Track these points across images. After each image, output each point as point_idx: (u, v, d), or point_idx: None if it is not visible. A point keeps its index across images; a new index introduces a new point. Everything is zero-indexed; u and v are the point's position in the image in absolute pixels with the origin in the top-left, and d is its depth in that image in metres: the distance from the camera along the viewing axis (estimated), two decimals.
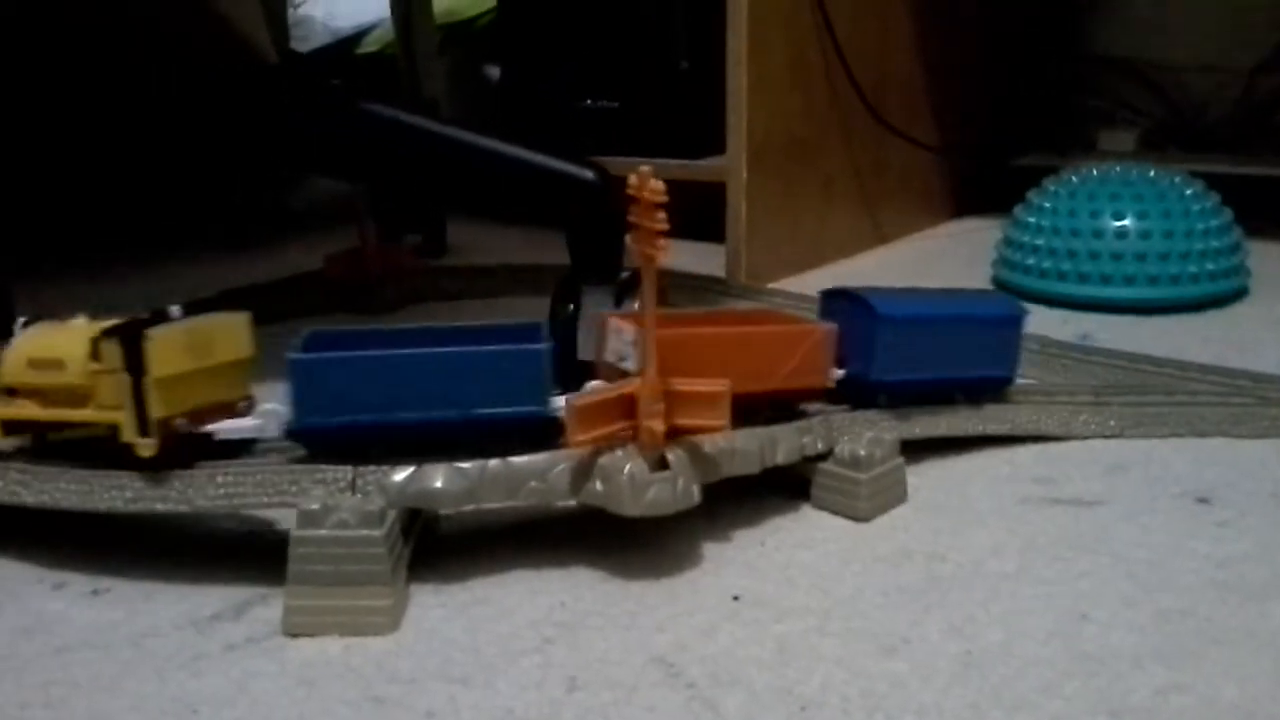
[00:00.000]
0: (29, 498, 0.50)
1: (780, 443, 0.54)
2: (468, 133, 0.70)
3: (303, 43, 1.43)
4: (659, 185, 0.47)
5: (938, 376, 0.61)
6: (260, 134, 0.73)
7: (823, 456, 0.56)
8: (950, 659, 0.44)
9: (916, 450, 0.60)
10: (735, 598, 0.48)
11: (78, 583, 0.50)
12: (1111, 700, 0.41)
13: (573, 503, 0.51)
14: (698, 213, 1.02)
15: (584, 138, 1.13)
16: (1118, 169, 0.98)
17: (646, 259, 0.48)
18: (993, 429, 0.64)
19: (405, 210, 1.09)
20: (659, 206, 0.47)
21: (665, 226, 0.47)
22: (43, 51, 0.77)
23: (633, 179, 0.48)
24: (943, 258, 1.15)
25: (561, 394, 0.70)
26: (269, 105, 0.73)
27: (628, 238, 0.48)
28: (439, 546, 0.53)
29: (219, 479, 0.48)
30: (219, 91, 0.72)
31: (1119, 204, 0.94)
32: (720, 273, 0.99)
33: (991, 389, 0.64)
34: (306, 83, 0.76)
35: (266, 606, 0.47)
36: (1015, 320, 0.64)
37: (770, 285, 0.99)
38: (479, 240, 1.22)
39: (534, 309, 0.80)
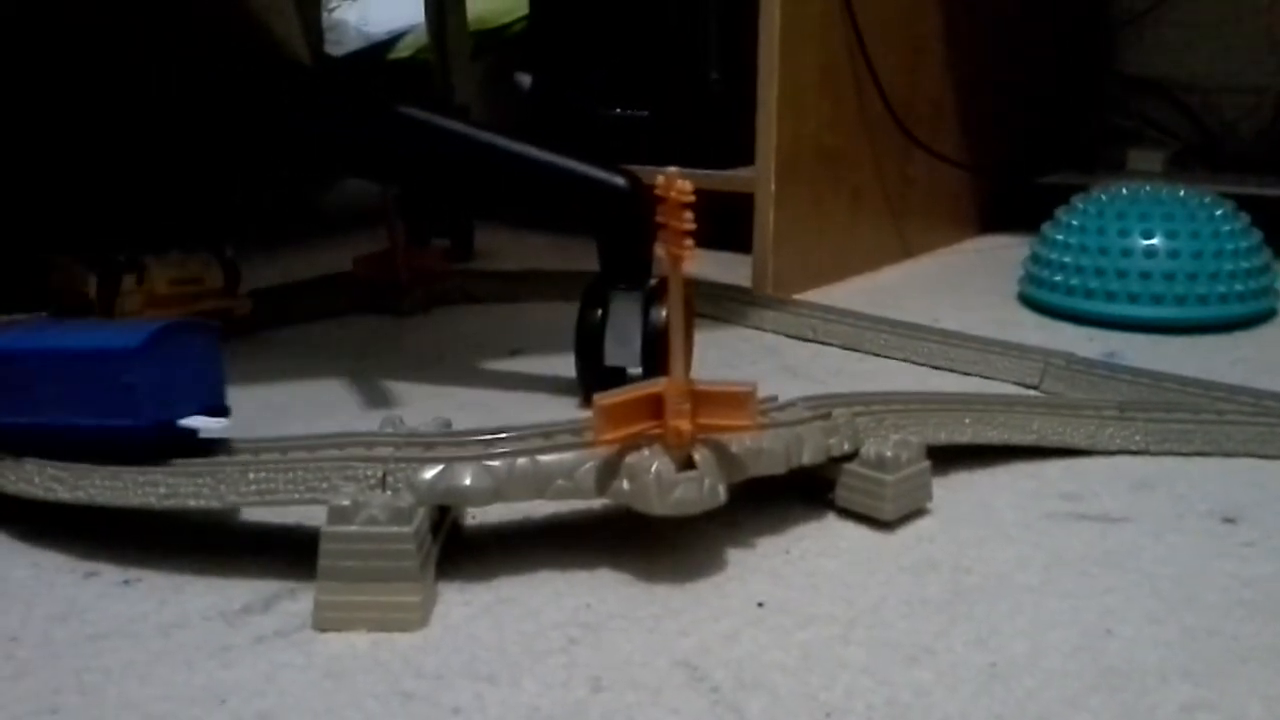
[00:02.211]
0: (64, 493, 0.50)
1: (806, 443, 0.54)
2: (502, 137, 0.71)
3: (336, 47, 1.45)
4: (686, 186, 0.48)
5: (48, 422, 0.51)
6: (295, 135, 0.74)
7: (848, 457, 0.56)
8: (975, 670, 0.44)
9: (942, 461, 0.60)
10: (759, 604, 0.49)
11: (109, 573, 0.50)
12: (1137, 715, 0.41)
13: (599, 502, 0.51)
14: (724, 222, 1.02)
15: (613, 146, 1.14)
16: (1147, 188, 0.98)
17: (674, 258, 0.49)
18: (1017, 439, 0.64)
19: (433, 214, 1.10)
20: (686, 207, 0.48)
21: (692, 226, 0.48)
22: (75, 50, 0.78)
23: (660, 180, 0.48)
24: (969, 273, 1.15)
25: (588, 399, 0.72)
26: (305, 106, 0.74)
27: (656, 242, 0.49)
28: (465, 545, 0.53)
29: (250, 475, 0.49)
30: (255, 91, 0.72)
31: (1148, 223, 0.94)
32: (746, 282, 0.99)
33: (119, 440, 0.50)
34: (343, 85, 0.77)
35: (294, 600, 0.48)
36: (125, 355, 0.49)
37: (796, 296, 0.99)
38: (506, 246, 1.23)
39: (561, 314, 0.80)
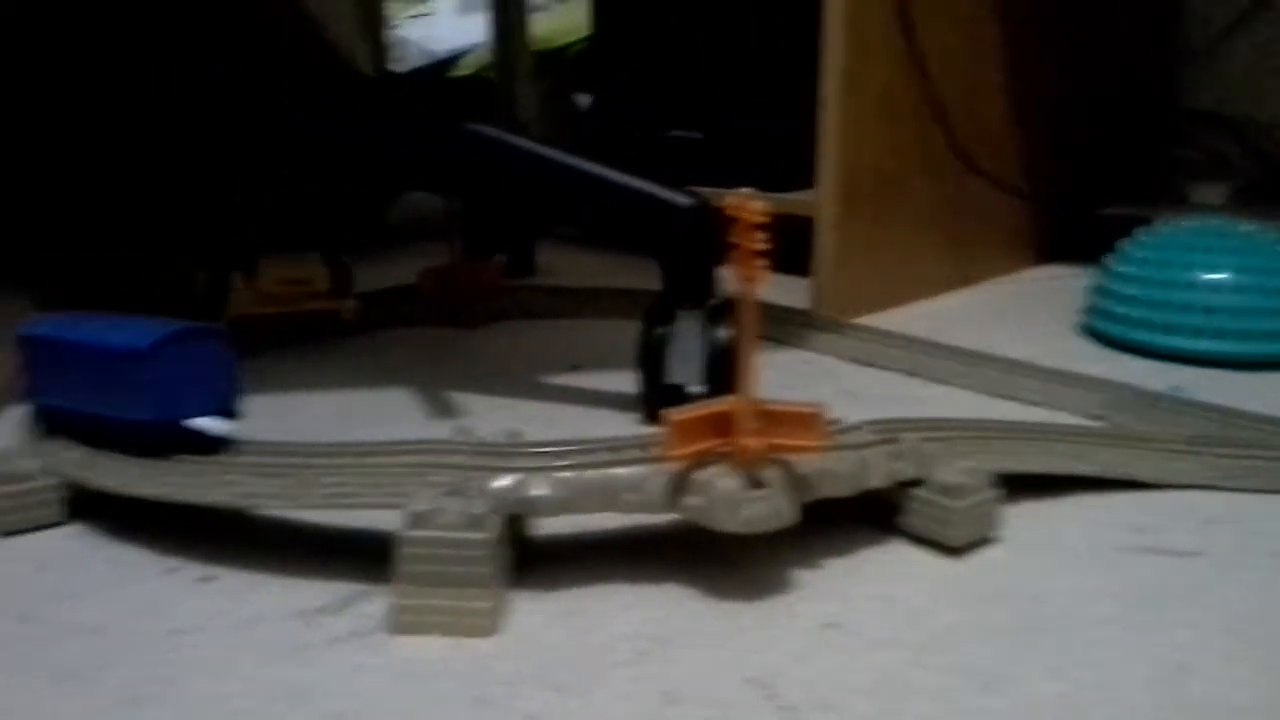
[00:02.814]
0: (146, 489, 0.51)
1: (874, 467, 0.54)
2: (569, 155, 0.71)
3: (398, 64, 1.47)
4: (759, 206, 0.48)
5: (81, 409, 0.55)
6: (365, 149, 0.75)
7: (915, 483, 0.56)
8: (1049, 700, 0.43)
9: (1008, 489, 0.60)
10: (829, 625, 0.49)
11: (187, 570, 0.51)
12: None
13: (664, 517, 0.52)
14: (781, 246, 1.02)
15: (669, 168, 1.15)
16: (1213, 222, 0.97)
17: (745, 279, 0.49)
18: (1084, 470, 0.63)
19: (495, 230, 1.11)
20: (759, 227, 0.48)
21: (765, 247, 0.48)
22: (142, 60, 0.80)
23: (733, 200, 0.48)
24: (1028, 302, 1.14)
25: (649, 416, 0.72)
26: (374, 120, 0.75)
27: (727, 260, 0.49)
28: (533, 555, 0.54)
29: (327, 478, 0.49)
30: (328, 105, 0.74)
31: (1213, 257, 0.93)
32: (803, 305, 0.99)
33: (135, 433, 0.53)
34: (411, 100, 0.78)
35: (369, 602, 0.48)
36: (136, 355, 0.53)
37: (854, 320, 0.99)
38: (564, 263, 1.23)
39: (619, 331, 0.81)
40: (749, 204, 0.47)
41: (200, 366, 0.54)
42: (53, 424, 0.57)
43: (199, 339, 0.54)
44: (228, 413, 0.54)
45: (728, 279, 0.71)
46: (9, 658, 0.44)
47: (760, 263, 0.47)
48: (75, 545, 0.54)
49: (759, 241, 0.47)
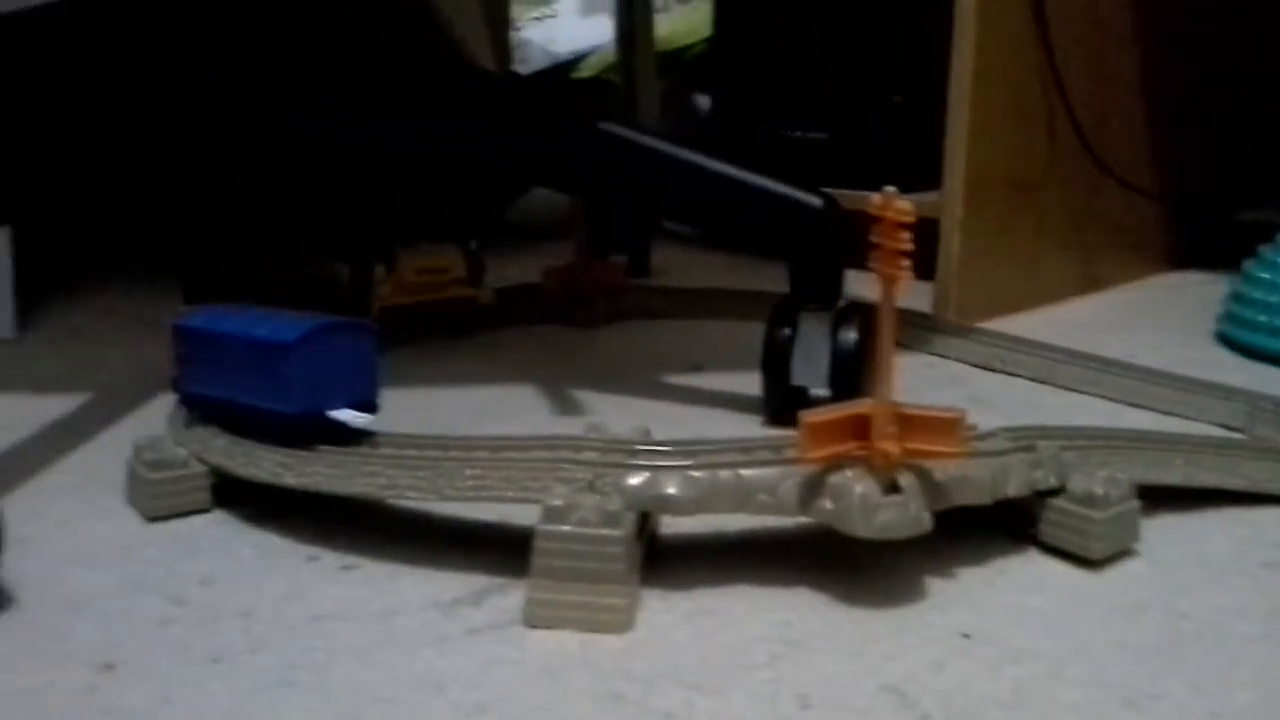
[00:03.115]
0: (291, 479, 0.53)
1: (1012, 474, 0.53)
2: (699, 154, 0.72)
3: (521, 65, 1.48)
4: (905, 206, 0.47)
5: (229, 399, 0.56)
6: (494, 147, 0.76)
7: (1054, 492, 0.55)
8: (1197, 718, 0.42)
9: (1148, 501, 0.58)
10: (965, 635, 0.48)
11: (329, 558, 0.53)
12: None
13: (794, 520, 0.51)
14: None
15: (791, 168, 1.14)
16: None
17: (888, 279, 0.48)
18: (1229, 484, 0.61)
19: (615, 230, 1.12)
20: (903, 227, 0.47)
21: (910, 247, 0.47)
22: (287, 60, 0.82)
23: (877, 199, 0.48)
24: (1161, 309, 1.11)
25: (772, 417, 0.72)
26: (508, 119, 0.76)
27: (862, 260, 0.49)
28: (662, 554, 0.54)
29: (467, 472, 0.50)
30: (467, 105, 0.75)
31: None
32: (925, 309, 0.98)
33: (278, 423, 0.55)
34: (543, 100, 0.79)
35: (504, 596, 0.49)
36: (281, 348, 0.54)
37: (979, 324, 0.97)
38: (680, 263, 1.23)
39: (740, 332, 0.81)
40: (894, 203, 0.46)
41: (344, 360, 0.56)
42: (201, 412, 0.59)
43: (344, 333, 0.56)
44: (368, 406, 0.56)
45: (856, 280, 0.71)
46: (164, 638, 0.45)
47: (904, 263, 0.47)
48: (222, 531, 0.56)
49: (903, 241, 0.46)
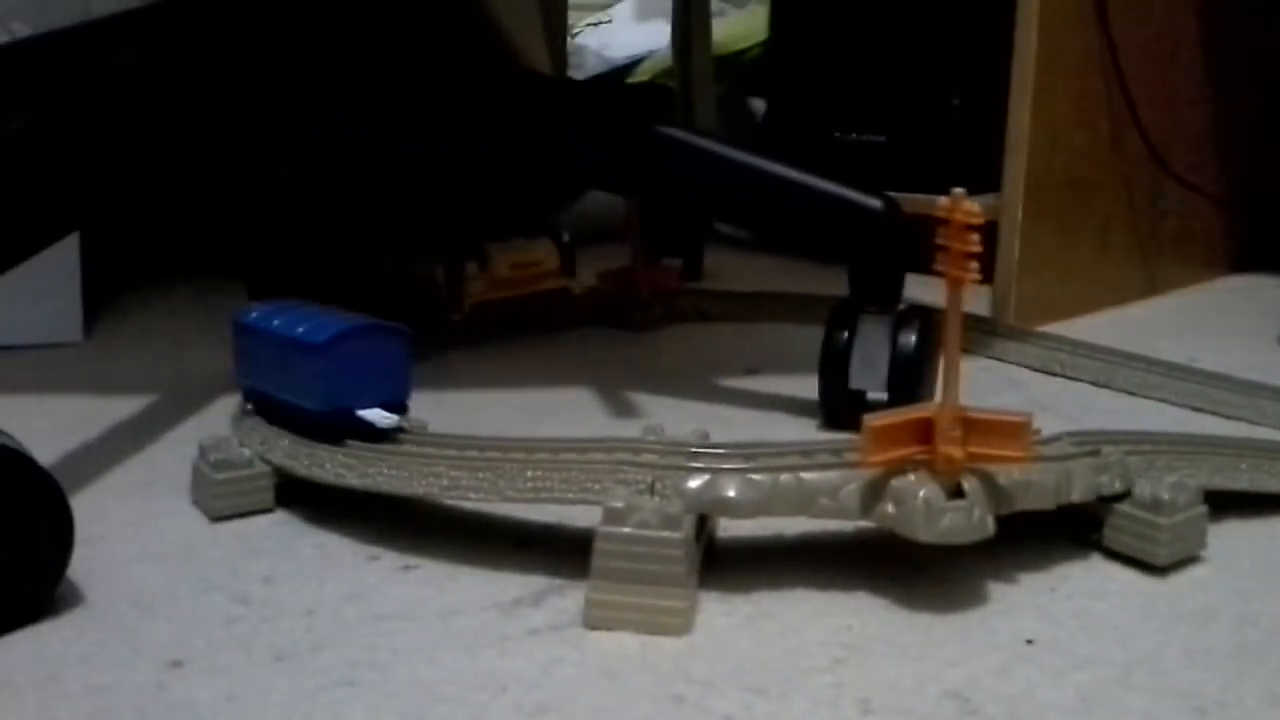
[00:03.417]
0: (353, 480, 0.53)
1: (1076, 479, 0.52)
2: (758, 157, 0.71)
3: (577, 70, 1.49)
4: (974, 208, 0.47)
5: (272, 393, 0.59)
6: (560, 152, 0.76)
7: (1118, 497, 0.54)
8: None
9: (1214, 507, 0.57)
10: (1029, 641, 0.47)
11: (389, 558, 0.53)
12: None
13: (853, 524, 0.51)
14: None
15: (849, 171, 1.14)
16: None
17: (955, 281, 0.48)
18: None
19: (669, 233, 1.12)
20: (972, 229, 0.47)
21: (979, 249, 0.47)
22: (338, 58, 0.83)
23: (945, 201, 0.47)
24: (1224, 312, 1.09)
25: (828, 421, 0.72)
26: (567, 122, 0.76)
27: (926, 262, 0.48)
28: (720, 557, 0.54)
29: (528, 473, 0.50)
30: (543, 109, 0.75)
31: None
32: (985, 312, 0.97)
33: (308, 419, 0.57)
34: (602, 105, 0.80)
35: (563, 597, 0.49)
36: (313, 348, 0.56)
37: (1038, 328, 0.96)
38: (733, 266, 1.23)
39: (795, 336, 0.80)
40: (962, 205, 0.46)
41: (375, 361, 0.57)
42: (255, 404, 0.61)
43: (377, 335, 0.57)
44: (398, 406, 0.57)
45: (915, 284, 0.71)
46: (230, 636, 0.46)
47: (972, 265, 0.46)
48: (283, 531, 0.56)
49: (972, 244, 0.46)
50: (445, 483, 0.51)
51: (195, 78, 0.73)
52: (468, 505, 0.57)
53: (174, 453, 0.65)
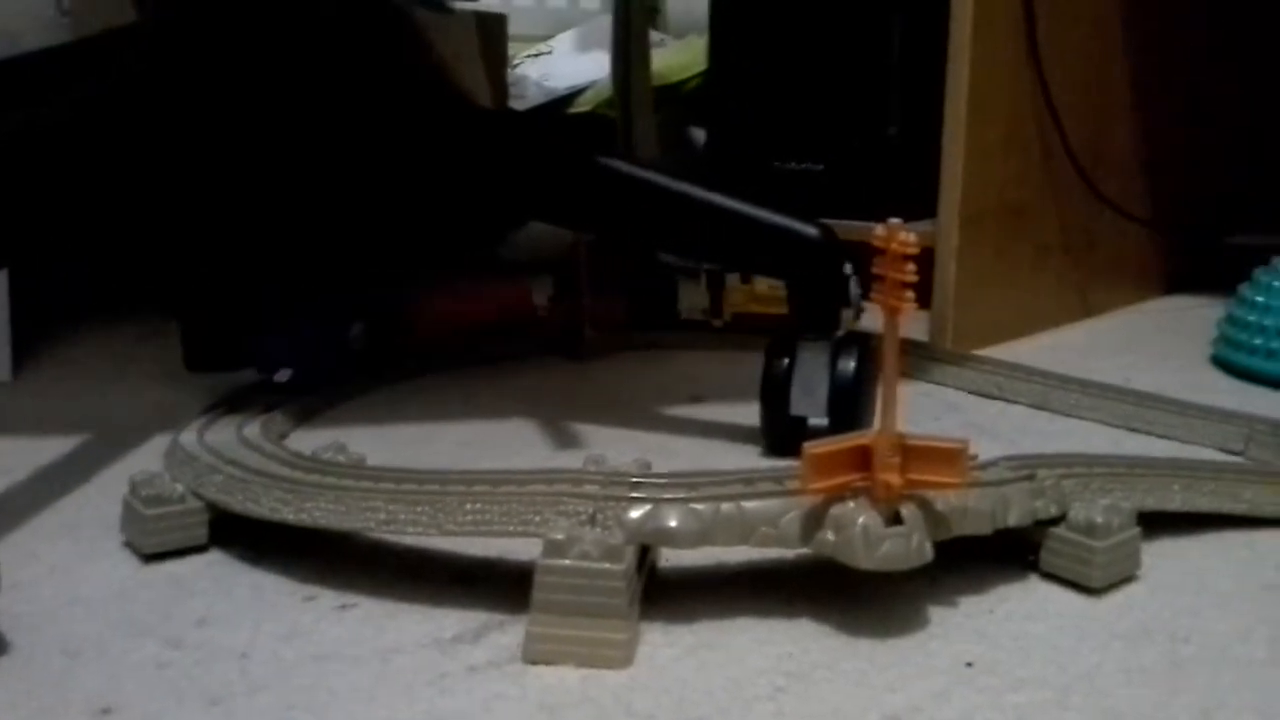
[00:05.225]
0: (289, 514, 0.53)
1: (1013, 504, 0.53)
2: (696, 187, 0.72)
3: (518, 101, 1.49)
4: (909, 238, 0.48)
5: None
6: (493, 182, 0.76)
7: (1054, 521, 0.55)
8: None
9: (1147, 527, 0.58)
10: (968, 664, 0.48)
11: (327, 597, 0.52)
12: None
13: (797, 552, 0.51)
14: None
15: (787, 200, 1.15)
16: None
17: (891, 310, 0.48)
18: (1229, 508, 0.61)
19: (614, 262, 1.11)
20: (907, 259, 0.48)
21: (914, 278, 0.48)
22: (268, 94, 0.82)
23: (881, 230, 0.48)
24: (1156, 333, 1.11)
25: (770, 448, 0.72)
26: (504, 154, 0.76)
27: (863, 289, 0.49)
28: (662, 587, 0.54)
29: (468, 506, 0.50)
30: (476, 141, 0.75)
31: None
32: (924, 337, 0.98)
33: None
34: (541, 136, 0.80)
35: (503, 632, 0.49)
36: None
37: (975, 352, 0.97)
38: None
39: (738, 363, 0.81)
40: (898, 235, 0.47)
41: None
42: None
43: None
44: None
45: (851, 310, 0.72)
46: (162, 682, 0.45)
47: (908, 295, 0.47)
48: (218, 570, 0.55)
49: (907, 273, 0.47)
50: (383, 516, 0.51)
51: (132, 112, 0.72)
52: (406, 540, 0.56)
53: (105, 493, 0.63)
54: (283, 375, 0.76)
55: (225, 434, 0.64)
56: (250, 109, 0.77)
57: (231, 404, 0.71)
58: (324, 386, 0.81)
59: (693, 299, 1.01)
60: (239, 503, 0.55)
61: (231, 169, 0.78)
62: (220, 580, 0.54)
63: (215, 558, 0.56)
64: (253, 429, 0.65)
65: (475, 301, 0.99)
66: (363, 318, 0.87)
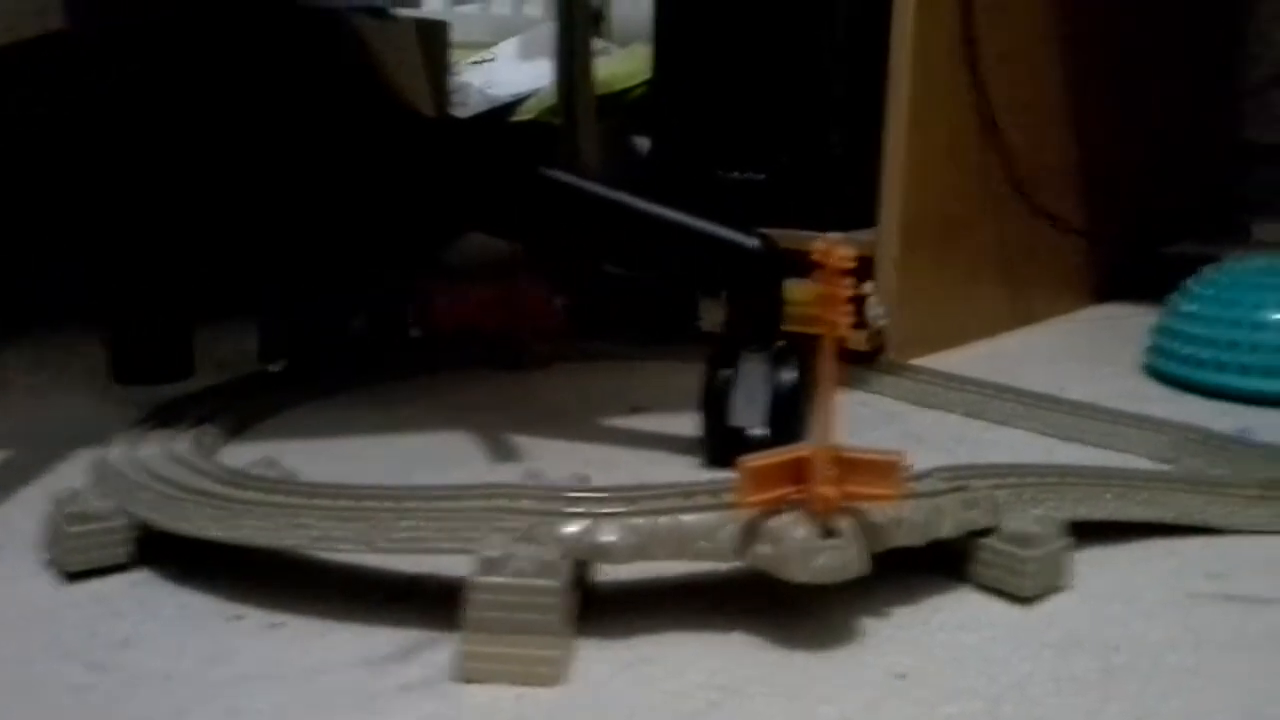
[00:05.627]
0: (218, 532, 0.52)
1: (947, 516, 0.54)
2: (636, 198, 0.72)
3: (461, 108, 1.49)
4: (847, 252, 0.48)
5: None
6: (430, 192, 0.76)
7: (986, 532, 0.55)
8: None
9: (1077, 536, 0.58)
10: (900, 675, 0.48)
11: (255, 616, 0.51)
12: None
13: (738, 565, 0.51)
14: None
15: (730, 209, 1.15)
16: None
17: (829, 325, 0.49)
18: (1158, 517, 0.62)
19: (555, 272, 1.11)
20: (845, 273, 0.48)
21: (851, 292, 0.48)
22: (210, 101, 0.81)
23: (819, 245, 0.48)
24: (1090, 342, 1.13)
25: (712, 459, 0.72)
26: (445, 165, 0.76)
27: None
28: (598, 602, 0.53)
29: (402, 522, 0.49)
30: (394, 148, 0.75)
31: None
32: (862, 347, 0.99)
33: None
34: (481, 146, 0.79)
35: (435, 651, 0.48)
36: None
37: (913, 361, 0.98)
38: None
39: (678, 374, 0.81)
40: (836, 249, 0.47)
41: None
42: None
43: None
44: None
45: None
46: (82, 708, 0.44)
47: (845, 308, 0.47)
48: (144, 590, 0.54)
49: (845, 287, 0.47)
50: (315, 534, 0.50)
51: (59, 122, 0.71)
52: (340, 557, 0.56)
53: (28, 511, 0.61)
54: (278, 365, 0.75)
55: (154, 449, 0.63)
56: (182, 117, 0.76)
57: (162, 418, 0.70)
58: (323, 377, 0.82)
59: (713, 314, 0.98)
60: (167, 520, 0.54)
61: (162, 177, 0.77)
62: (146, 600, 0.53)
63: (141, 576, 0.55)
64: (183, 444, 0.64)
65: (493, 304, 0.97)
66: (365, 310, 0.87)
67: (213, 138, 0.77)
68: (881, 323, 0.92)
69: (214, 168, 0.78)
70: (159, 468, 0.59)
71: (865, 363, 0.92)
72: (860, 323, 0.92)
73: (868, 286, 0.90)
